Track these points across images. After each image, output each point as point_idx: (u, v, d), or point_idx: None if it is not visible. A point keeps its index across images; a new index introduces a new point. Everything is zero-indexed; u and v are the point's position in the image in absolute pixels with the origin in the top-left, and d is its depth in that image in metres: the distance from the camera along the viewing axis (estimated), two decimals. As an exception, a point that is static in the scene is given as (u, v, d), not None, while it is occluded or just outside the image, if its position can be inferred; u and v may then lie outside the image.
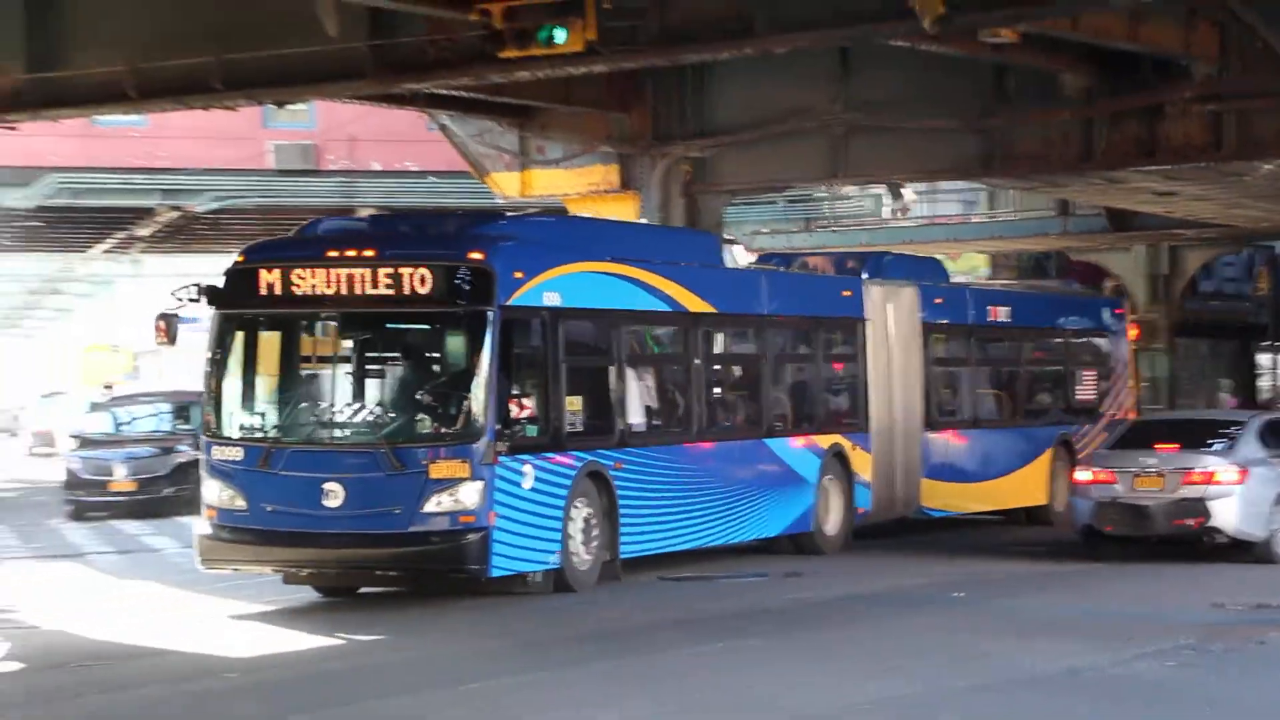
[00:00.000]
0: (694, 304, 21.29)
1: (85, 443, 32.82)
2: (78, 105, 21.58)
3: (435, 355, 18.89)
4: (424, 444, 17.89)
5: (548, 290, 18.77)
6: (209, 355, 18.76)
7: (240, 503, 18.18)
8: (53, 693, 13.77)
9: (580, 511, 18.98)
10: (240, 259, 19.02)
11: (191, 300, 18.65)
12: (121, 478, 31.24)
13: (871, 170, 27.71)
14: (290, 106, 26.27)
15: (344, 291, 18.12)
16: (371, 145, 37.87)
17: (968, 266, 43.23)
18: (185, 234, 43.47)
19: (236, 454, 18.31)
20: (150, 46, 20.43)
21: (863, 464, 23.69)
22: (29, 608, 18.97)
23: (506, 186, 27.73)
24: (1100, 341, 29.94)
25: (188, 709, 13.06)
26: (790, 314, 23.28)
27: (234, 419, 18.65)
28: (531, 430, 18.41)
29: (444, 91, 22.83)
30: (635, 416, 20.37)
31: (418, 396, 18.49)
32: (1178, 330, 41.91)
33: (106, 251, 48.76)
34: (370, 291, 18.05)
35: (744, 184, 28.07)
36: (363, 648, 15.89)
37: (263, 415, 18.79)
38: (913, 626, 16.87)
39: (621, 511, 19.62)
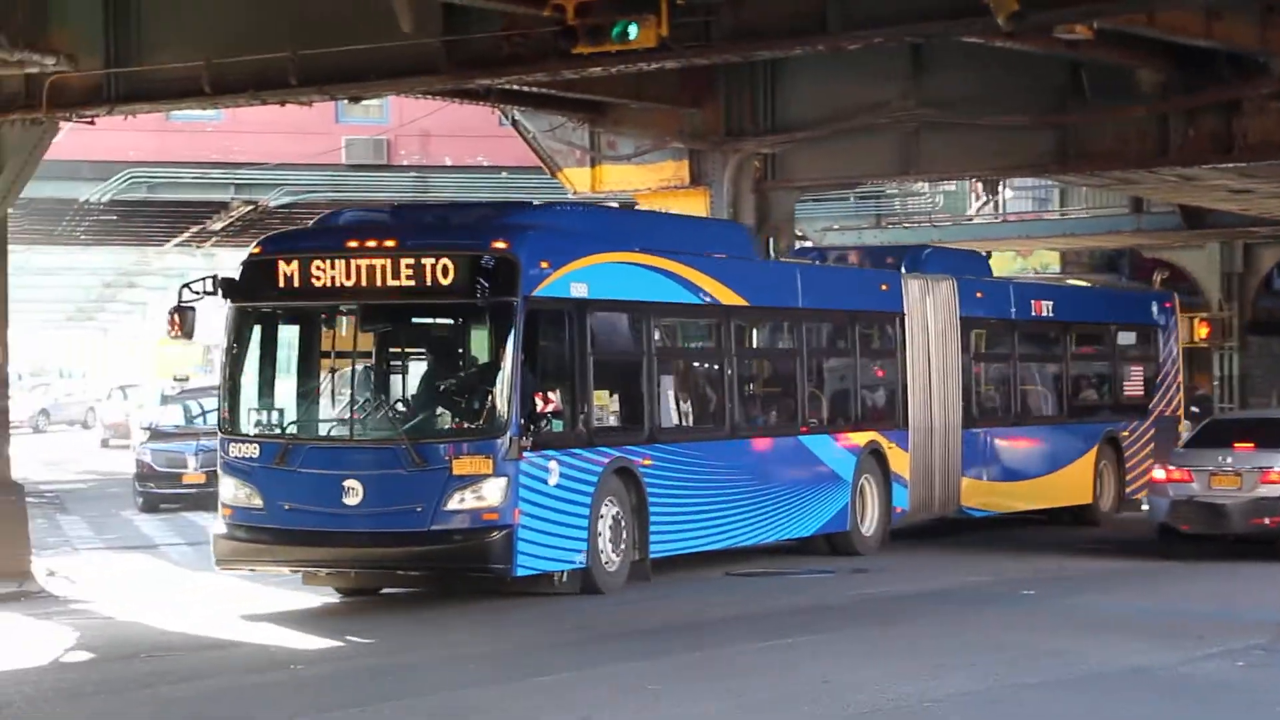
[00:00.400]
0: (726, 296, 20.75)
1: (157, 435, 33.08)
2: (154, 100, 21.71)
3: (458, 348, 18.48)
4: (446, 440, 17.49)
5: (575, 281, 18.26)
6: (224, 349, 18.39)
7: (257, 501, 17.74)
8: (125, 683, 13.91)
9: (609, 510, 18.47)
10: (257, 250, 18.57)
11: (207, 293, 18.25)
12: (193, 470, 31.42)
13: (943, 167, 27.60)
14: (364, 102, 26.36)
15: (364, 283, 17.65)
16: (444, 140, 38.00)
17: (1039, 263, 43.02)
18: (258, 228, 43.69)
19: (253, 451, 17.90)
20: (226, 42, 20.54)
21: (900, 462, 23.15)
22: (102, 598, 19.15)
23: (578, 182, 27.78)
24: (1149, 337, 29.19)
25: (255, 700, 13.15)
26: (826, 308, 22.75)
27: (251, 415, 18.23)
28: (557, 425, 17.92)
29: (516, 87, 22.86)
30: (665, 412, 19.85)
31: (440, 391, 18.12)
32: (1250, 328, 41.58)
33: (180, 245, 49.10)
34: (391, 283, 17.56)
35: (815, 180, 28.01)
36: (430, 641, 15.93)
37: (280, 411, 18.38)
38: (983, 622, 16.83)
39: (651, 510, 19.07)
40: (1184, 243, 39.50)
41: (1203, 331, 38.66)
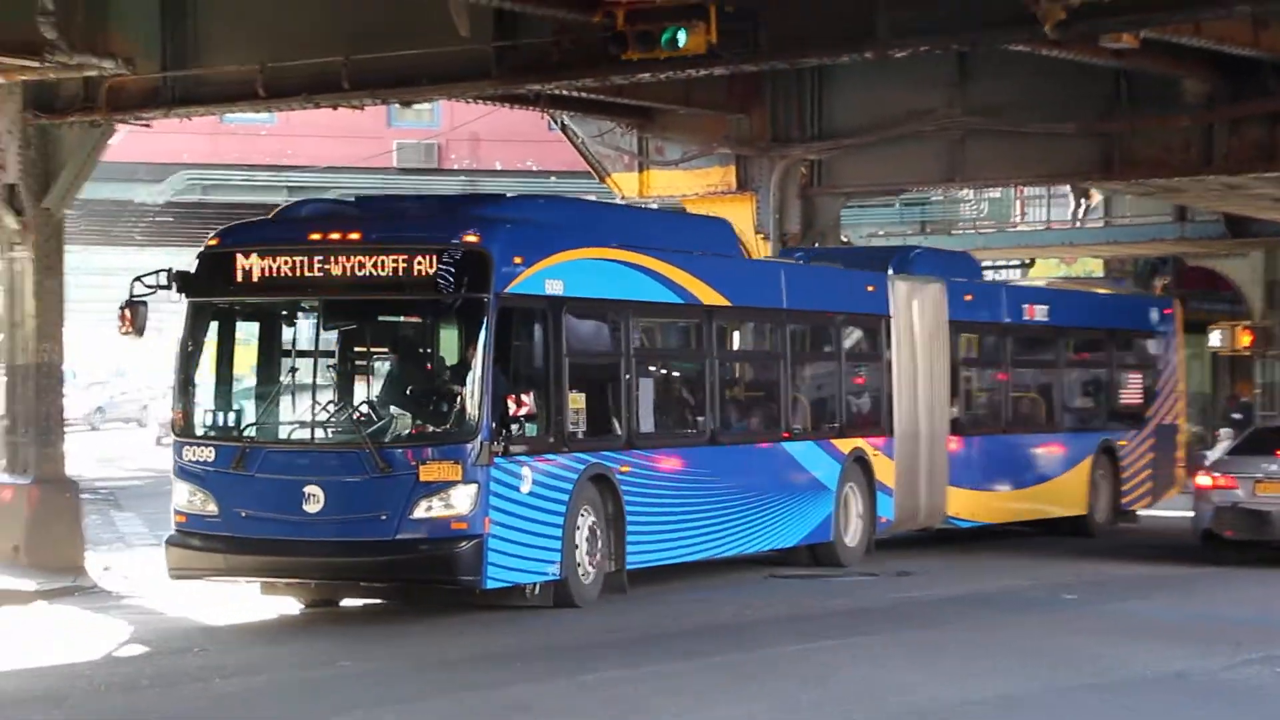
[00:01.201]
0: (708, 296, 19.42)
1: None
2: (209, 103, 21.82)
3: (426, 347, 17.38)
4: (412, 444, 16.21)
5: (550, 277, 17.00)
6: (179, 347, 17.15)
7: (212, 508, 16.50)
8: (178, 676, 13.98)
9: (585, 519, 17.25)
10: (213, 241, 17.33)
11: (161, 287, 17.11)
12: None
13: (988, 173, 27.56)
14: (415, 106, 26.48)
15: (327, 278, 16.43)
16: (494, 145, 38.09)
17: (1082, 270, 42.84)
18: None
19: (208, 455, 16.60)
20: (280, 47, 20.63)
21: (885, 471, 21.87)
22: (155, 593, 19.23)
23: (626, 187, 27.79)
24: (1148, 344, 27.99)
25: (303, 695, 13.20)
26: (810, 309, 21.37)
27: (206, 417, 16.97)
28: (531, 430, 16.58)
29: (566, 92, 22.90)
30: (644, 416, 18.47)
31: (406, 392, 16.97)
32: (1294, 337, 41.31)
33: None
34: (355, 278, 16.35)
35: (860, 186, 27.97)
36: (472, 640, 15.92)
37: (237, 413, 17.09)
38: (1025, 626, 16.78)
39: (628, 519, 17.81)
40: (1228, 251, 39.30)
41: (1245, 339, 38.51)
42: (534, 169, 38.50)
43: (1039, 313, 25.42)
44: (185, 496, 16.76)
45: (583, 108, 25.37)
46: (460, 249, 16.02)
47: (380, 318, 17.61)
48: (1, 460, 21.63)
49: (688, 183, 27.19)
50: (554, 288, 17.01)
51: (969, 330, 24.07)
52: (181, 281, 17.03)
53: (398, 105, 23.94)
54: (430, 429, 16.44)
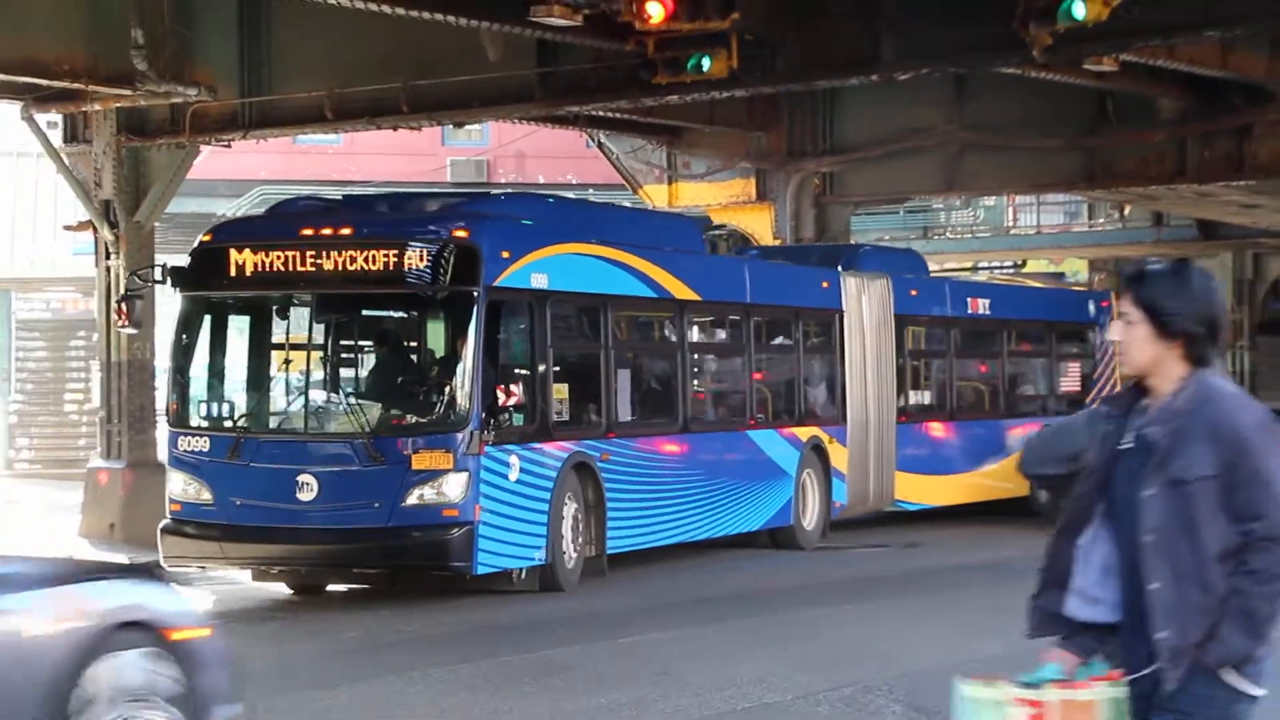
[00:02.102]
0: (680, 291, 18.54)
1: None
2: (283, 126, 21.94)
3: (416, 339, 16.61)
4: (404, 433, 15.26)
5: (535, 271, 16.07)
6: (173, 340, 16.33)
7: (206, 496, 15.63)
8: (253, 640, 14.02)
9: (569, 506, 16.36)
10: (207, 237, 16.38)
11: (156, 281, 16.31)
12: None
13: (984, 184, 27.60)
14: (466, 126, 26.51)
15: (319, 272, 15.46)
16: (537, 161, 38.12)
17: (1069, 271, 42.72)
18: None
19: (203, 445, 15.72)
20: (346, 74, 20.73)
21: (840, 457, 21.09)
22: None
23: (656, 198, 27.84)
24: (1086, 334, 26.79)
25: (369, 652, 13.24)
26: (772, 304, 20.50)
27: (201, 408, 16.22)
28: (518, 419, 15.70)
29: (602, 113, 22.97)
30: (622, 406, 17.59)
31: (398, 383, 16.12)
32: (1260, 329, 41.22)
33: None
34: (347, 272, 15.36)
35: (868, 196, 27.97)
36: (508, 612, 15.89)
37: (231, 404, 16.36)
38: (1016, 592, 16.71)
39: (609, 505, 16.94)
40: (1200, 252, 39.14)
41: (1218, 332, 38.36)
42: (574, 182, 38.52)
43: (981, 306, 24.67)
44: (180, 485, 15.83)
45: (617, 127, 25.42)
46: (450, 243, 15.16)
47: (371, 311, 16.82)
48: (98, 447, 21.78)
49: (712, 194, 27.23)
50: (539, 281, 16.12)
51: (914, 323, 23.22)
52: (176, 276, 16.10)
53: (451, 126, 23.97)
54: (422, 419, 15.50)
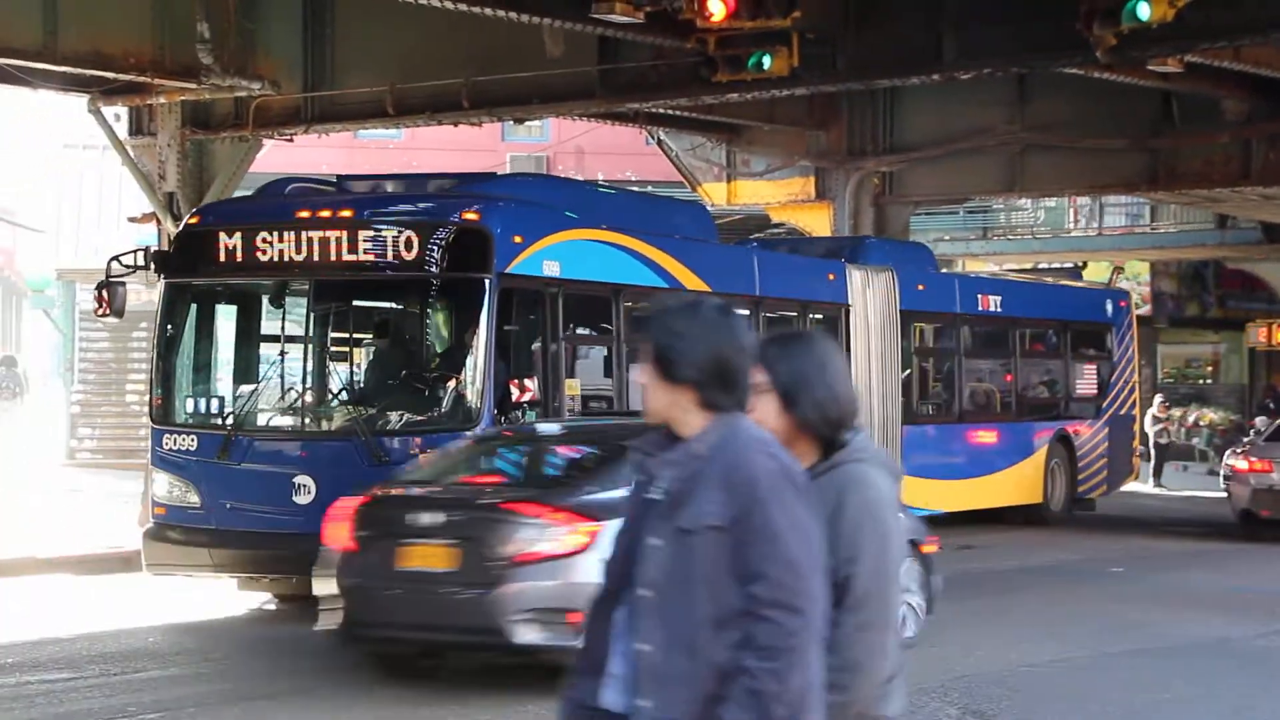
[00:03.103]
0: (690, 281, 17.21)
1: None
2: (345, 121, 22.02)
3: (423, 330, 15.01)
4: (410, 432, 13.96)
5: (548, 258, 14.73)
6: (157, 331, 14.98)
7: (194, 499, 14.30)
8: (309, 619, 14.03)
9: None
10: (193, 219, 15.12)
11: (139, 267, 15.09)
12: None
13: (1045, 185, 27.37)
14: (527, 123, 26.55)
15: (317, 257, 14.10)
16: (596, 157, 38.14)
17: (1131, 273, 42.42)
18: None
19: (190, 443, 14.38)
20: (407, 70, 20.79)
21: None
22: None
23: (715, 195, 27.80)
24: (1103, 335, 25.51)
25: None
26: (781, 296, 19.20)
27: (188, 404, 14.85)
28: (530, 418, 14.20)
29: (662, 110, 22.95)
30: (633, 406, 15.60)
31: (403, 378, 14.58)
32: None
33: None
34: (348, 257, 14.04)
35: (928, 196, 27.85)
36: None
37: (221, 400, 14.99)
38: (1076, 596, 16.65)
39: None
40: (1264, 255, 38.79)
41: (1278, 336, 38.02)
42: (633, 179, 38.52)
43: (993, 303, 23.27)
44: (165, 487, 14.47)
45: (676, 124, 25.40)
46: (460, 226, 13.90)
47: (374, 299, 15.47)
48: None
49: (771, 192, 27.16)
50: (551, 269, 14.77)
51: (921, 319, 22.02)
52: (159, 261, 14.93)
53: (512, 122, 24.01)
54: (429, 417, 14.11)
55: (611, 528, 9.97)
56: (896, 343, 21.00)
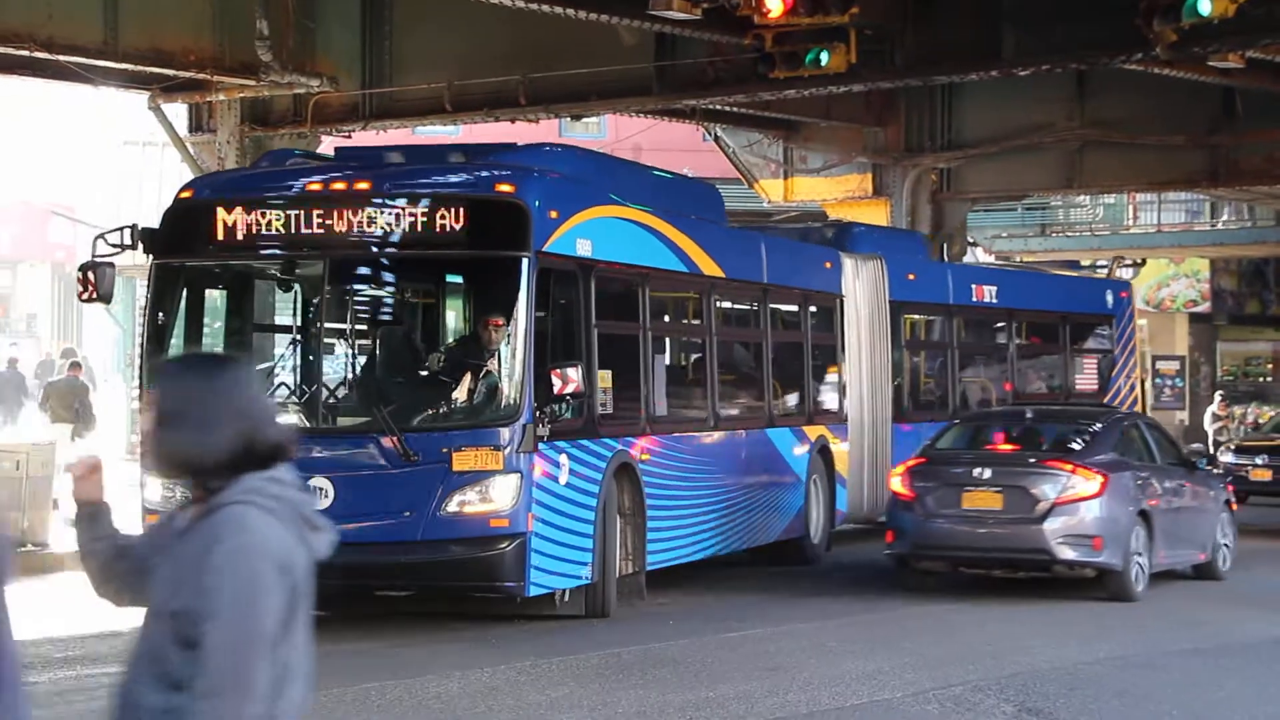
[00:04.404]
0: (708, 266, 15.83)
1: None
2: (403, 117, 22.16)
3: (454, 315, 14.03)
4: (443, 428, 12.67)
5: (580, 236, 13.42)
6: (146, 318, 13.28)
7: None
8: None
9: (614, 513, 13.79)
10: (186, 193, 13.35)
11: (126, 246, 13.10)
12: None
13: (1104, 181, 27.28)
14: (584, 119, 26.63)
15: (331, 234, 12.61)
16: (653, 154, 38.06)
17: (1190, 270, 42.13)
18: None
19: None
20: (465, 67, 20.92)
21: (842, 460, 18.50)
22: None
23: (772, 192, 27.82)
24: (1103, 327, 24.30)
25: (483, 643, 13.33)
26: (786, 284, 17.75)
27: None
28: (570, 412, 13.12)
29: (719, 107, 22.99)
30: (658, 398, 14.94)
31: (433, 368, 13.39)
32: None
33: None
34: (367, 233, 12.62)
35: (985, 192, 27.76)
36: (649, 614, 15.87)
37: None
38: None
39: (649, 513, 14.29)
40: (1327, 253, 38.57)
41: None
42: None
43: (988, 293, 22.04)
44: (160, 492, 12.73)
45: (733, 121, 25.43)
46: (494, 200, 12.63)
47: (398, 280, 14.09)
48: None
49: (828, 189, 27.15)
50: (584, 248, 13.45)
51: (912, 311, 20.65)
52: (148, 240, 13.06)
53: (569, 119, 24.10)
54: (463, 411, 12.85)
55: (1114, 480, 15.32)
56: (886, 336, 19.71)
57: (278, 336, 14.08)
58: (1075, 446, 15.99)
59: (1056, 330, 23.52)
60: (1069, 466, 15.43)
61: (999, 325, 22.51)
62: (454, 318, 14.07)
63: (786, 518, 17.43)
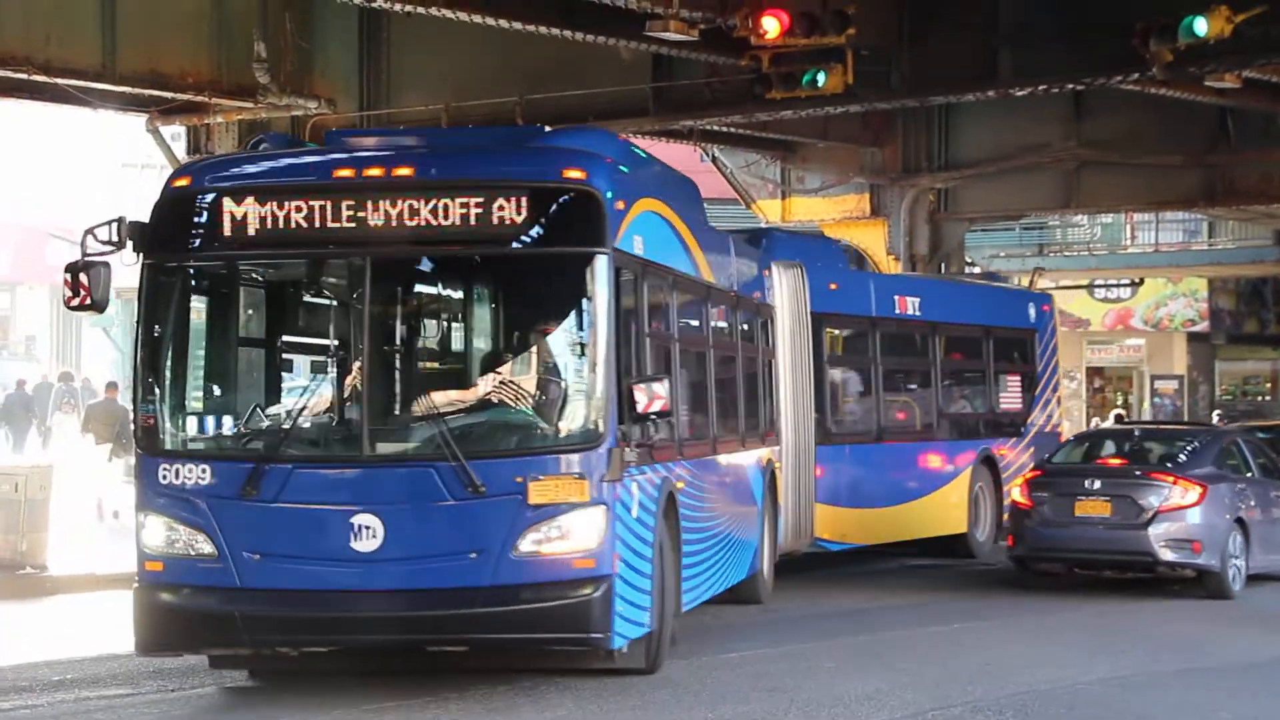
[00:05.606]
0: (706, 270, 14.05)
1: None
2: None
3: (522, 322, 11.69)
4: (515, 454, 10.77)
5: (636, 233, 11.58)
6: (141, 327, 10.95)
7: (208, 549, 10.62)
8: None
9: (668, 549, 12.06)
10: (183, 180, 11.01)
11: (114, 243, 10.87)
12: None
13: (1101, 201, 27.39)
14: (581, 140, 26.74)
15: (368, 229, 10.68)
16: (651, 175, 38.21)
17: (1187, 289, 42.21)
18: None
19: (201, 476, 10.64)
20: (462, 88, 21.00)
21: (780, 486, 16.66)
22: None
23: (770, 212, 27.90)
24: (1026, 342, 22.40)
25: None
26: (744, 292, 15.62)
27: (191, 423, 11.18)
28: (654, 433, 11.61)
29: (716, 127, 23.09)
30: (684, 416, 12.94)
31: (499, 384, 11.45)
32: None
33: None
34: (413, 227, 10.67)
35: (983, 212, 27.85)
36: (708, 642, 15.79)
37: (243, 417, 11.34)
38: (1133, 613, 16.58)
39: (685, 547, 12.58)
40: (1324, 272, 38.66)
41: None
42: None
43: (911, 305, 20.10)
44: (162, 535, 10.78)
45: (731, 141, 25.52)
46: (565, 188, 10.78)
47: (453, 282, 12.12)
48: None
49: (826, 209, 27.23)
50: (638, 246, 11.63)
51: (834, 324, 18.74)
52: (140, 237, 10.93)
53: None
54: (539, 433, 11.05)
55: (1212, 490, 16.98)
56: (807, 351, 17.64)
57: (311, 351, 11.95)
58: (1179, 460, 17.78)
59: (980, 345, 21.47)
60: (1170, 478, 17.20)
61: (923, 339, 20.46)
62: (518, 325, 11.83)
63: (749, 550, 15.34)
